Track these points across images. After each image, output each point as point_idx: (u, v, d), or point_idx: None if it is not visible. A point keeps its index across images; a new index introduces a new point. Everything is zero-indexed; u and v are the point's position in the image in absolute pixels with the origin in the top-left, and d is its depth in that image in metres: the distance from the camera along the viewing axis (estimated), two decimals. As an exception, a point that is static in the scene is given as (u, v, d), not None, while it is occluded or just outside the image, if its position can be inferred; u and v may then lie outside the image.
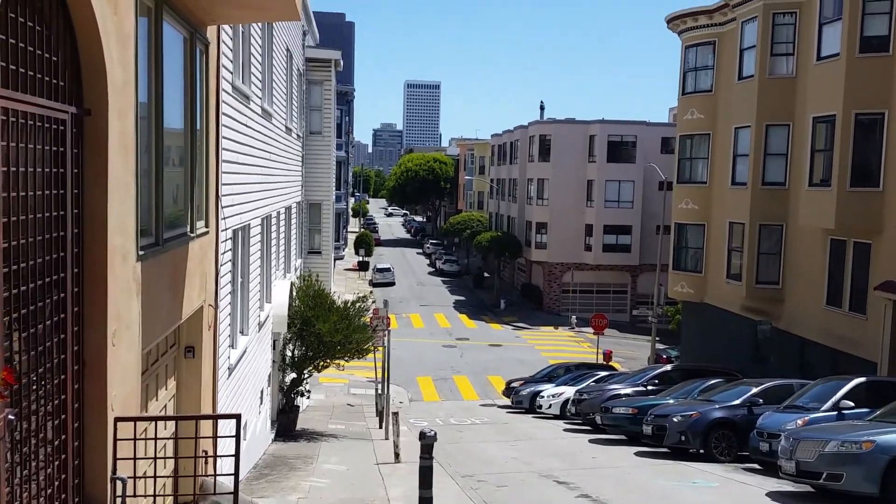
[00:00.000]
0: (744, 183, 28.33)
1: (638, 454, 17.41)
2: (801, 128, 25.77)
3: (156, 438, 6.41)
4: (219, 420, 9.35)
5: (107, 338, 5.78)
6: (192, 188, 8.40)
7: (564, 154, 59.69)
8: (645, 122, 60.41)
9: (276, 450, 16.83)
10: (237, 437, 6.31)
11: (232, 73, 10.88)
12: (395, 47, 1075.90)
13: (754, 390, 16.75)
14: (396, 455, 16.03)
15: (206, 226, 9.40)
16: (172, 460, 7.61)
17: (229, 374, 11.28)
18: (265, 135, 14.85)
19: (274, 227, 16.80)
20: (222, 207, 10.19)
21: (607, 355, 39.23)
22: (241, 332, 12.78)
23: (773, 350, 27.39)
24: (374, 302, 23.17)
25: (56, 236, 5.15)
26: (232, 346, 11.79)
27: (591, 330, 52.99)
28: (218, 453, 8.70)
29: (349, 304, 19.51)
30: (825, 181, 23.63)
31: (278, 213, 17.59)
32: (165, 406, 8.92)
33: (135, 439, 6.10)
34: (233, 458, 6.61)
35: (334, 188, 28.43)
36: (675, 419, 16.58)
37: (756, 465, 15.48)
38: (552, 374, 32.77)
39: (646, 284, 60.50)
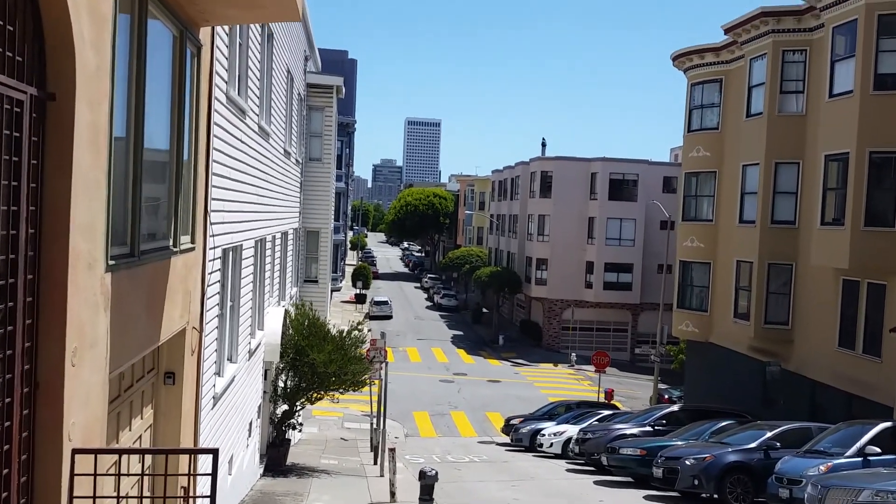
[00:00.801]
0: (752, 221, 27.71)
1: (648, 498, 16.53)
2: (812, 166, 25.23)
3: (118, 474, 5.61)
4: (199, 455, 8.54)
5: (65, 356, 5.03)
6: (176, 199, 7.70)
7: (566, 191, 59.27)
8: (647, 161, 60.15)
9: (264, 485, 15.93)
10: (213, 475, 5.52)
11: (227, 82, 10.26)
12: (397, 85, 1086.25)
13: (771, 433, 15.93)
14: (392, 494, 15.14)
15: (192, 241, 8.69)
16: (143, 500, 6.79)
17: (214, 404, 10.48)
18: (262, 154, 14.21)
19: (269, 251, 16.10)
20: (211, 224, 9.48)
21: (609, 394, 38.30)
22: (229, 360, 11.99)
23: (782, 392, 26.54)
24: (370, 331, 22.35)
25: (6, 235, 4.43)
26: (218, 373, 11.00)
27: (590, 368, 52.15)
28: (197, 492, 7.91)
29: (345, 334, 18.72)
30: (838, 220, 23.01)
31: (273, 237, 16.89)
32: (140, 437, 8.13)
33: (95, 475, 5.32)
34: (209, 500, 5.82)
35: (333, 217, 27.78)
36: (687, 462, 15.73)
37: (772, 514, 14.59)
38: (553, 412, 31.85)
39: (647, 323, 59.70)
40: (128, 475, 6.03)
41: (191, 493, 6.80)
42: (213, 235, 9.62)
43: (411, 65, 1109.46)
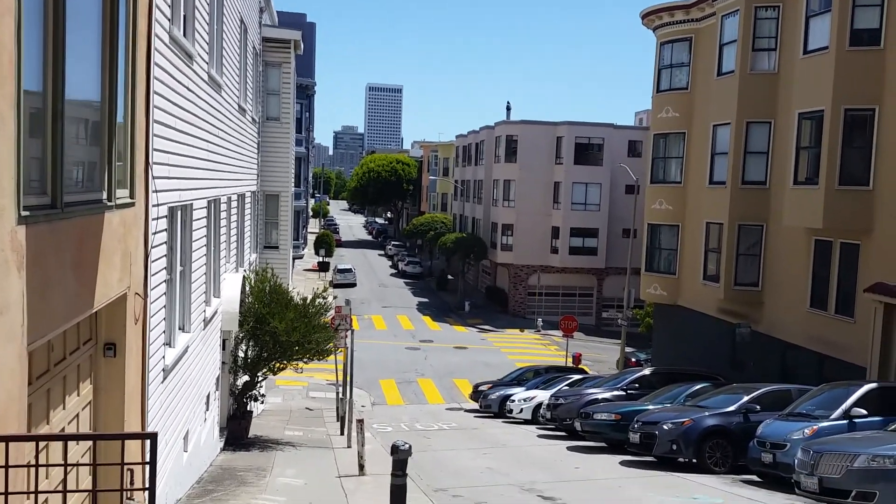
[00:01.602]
0: (722, 182, 27.23)
1: (624, 464, 16.04)
2: (785, 125, 24.74)
3: (36, 465, 4.72)
4: (143, 440, 7.67)
5: (-38, 325, 4.14)
6: (109, 146, 6.72)
7: (531, 155, 58.54)
8: (612, 125, 59.57)
9: (224, 461, 15.10)
10: (152, 463, 4.67)
11: (170, 20, 9.21)
12: (357, 50, 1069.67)
13: (750, 396, 15.50)
14: (361, 467, 14.41)
15: (132, 196, 7.73)
16: (67, 494, 5.90)
17: (164, 378, 9.58)
18: (213, 107, 13.16)
19: (224, 214, 15.09)
20: (153, 178, 8.51)
21: (577, 358, 38.00)
22: (181, 329, 11.07)
23: (752, 354, 26.32)
24: (335, 298, 21.50)
25: None
26: (168, 343, 10.09)
27: (557, 333, 51.93)
28: (143, 479, 7.06)
29: (308, 302, 17.82)
30: (811, 179, 22.58)
31: (229, 198, 15.88)
32: (77, 416, 7.23)
33: (7, 466, 4.44)
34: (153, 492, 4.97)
35: (293, 181, 26.70)
36: (665, 427, 15.23)
37: (755, 477, 14.20)
38: (521, 378, 31.43)
39: (612, 288, 59.64)
40: (45, 466, 5.13)
41: (126, 485, 5.91)
42: (157, 191, 8.65)
43: (372, 30, 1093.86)
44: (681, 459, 15.42)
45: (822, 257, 23.00)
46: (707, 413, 15.32)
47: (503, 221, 60.12)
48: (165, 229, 9.31)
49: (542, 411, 24.33)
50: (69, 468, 6.17)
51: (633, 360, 40.13)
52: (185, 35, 10.47)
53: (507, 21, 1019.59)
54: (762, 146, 26.17)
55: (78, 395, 7.21)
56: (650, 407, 17.67)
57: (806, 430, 12.84)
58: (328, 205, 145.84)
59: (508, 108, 66.23)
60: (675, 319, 31.86)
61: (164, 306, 9.44)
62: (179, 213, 10.32)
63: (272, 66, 23.89)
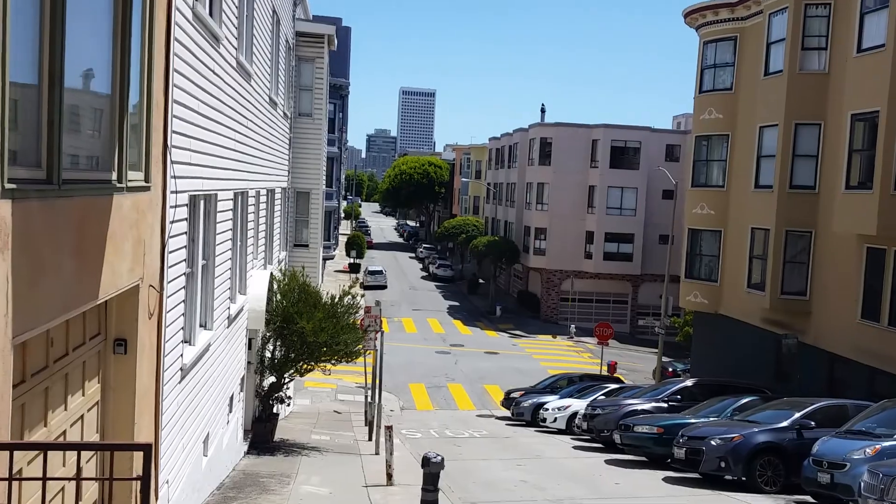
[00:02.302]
0: (769, 186, 26.15)
1: (667, 481, 15.15)
2: (835, 127, 23.66)
3: (10, 478, 4.07)
4: (158, 449, 7.06)
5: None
6: (120, 124, 6.10)
7: (566, 158, 57.56)
8: (649, 128, 58.41)
9: (248, 465, 14.50)
10: (145, 477, 3.99)
11: (195, -4, 8.60)
12: (391, 54, 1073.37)
13: (804, 411, 14.53)
14: (389, 476, 13.72)
15: (147, 180, 7.11)
16: None
17: (182, 377, 8.97)
18: (242, 95, 12.57)
19: (252, 208, 14.51)
20: (172, 162, 7.90)
21: (612, 367, 37.00)
22: (203, 326, 10.47)
23: (798, 366, 25.20)
24: (363, 297, 20.85)
25: None
26: (188, 341, 9.48)
27: (590, 340, 50.89)
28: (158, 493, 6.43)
29: (337, 301, 17.18)
30: (864, 184, 21.49)
31: (258, 192, 15.30)
32: (82, 418, 6.62)
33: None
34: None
35: (324, 179, 26.14)
36: (713, 442, 14.32)
37: (808, 498, 13.24)
38: (554, 385, 30.54)
39: (647, 295, 58.40)
40: (19, 479, 4.48)
41: (130, 497, 5.27)
42: (176, 177, 8.04)
43: (406, 35, 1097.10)
44: (728, 477, 14.50)
45: (875, 265, 21.87)
46: (758, 429, 14.39)
47: (536, 225, 59.19)
48: (186, 218, 8.70)
49: (577, 421, 23.45)
50: (55, 480, 5.54)
51: (671, 370, 39.03)
52: (211, 15, 9.88)
53: (542, 24, 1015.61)
54: (811, 149, 25.08)
55: (83, 394, 6.60)
56: (695, 420, 16.73)
57: (868, 450, 11.88)
58: (360, 207, 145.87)
59: (543, 111, 65.34)
60: (715, 329, 30.78)
61: (184, 301, 8.83)
62: (202, 202, 9.72)
63: (305, 62, 23.37)
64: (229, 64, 11.19)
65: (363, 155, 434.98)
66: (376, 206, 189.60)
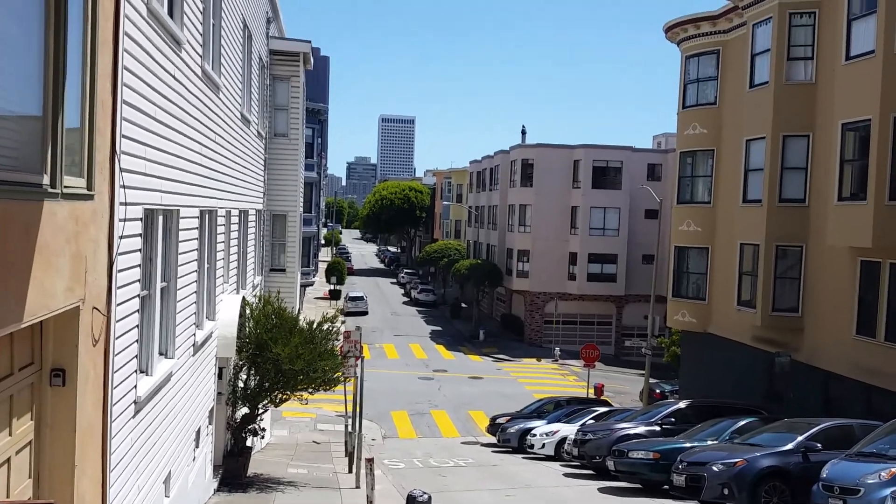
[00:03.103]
0: (758, 200, 25.60)
1: (666, 511, 14.32)
2: (825, 137, 23.21)
3: None
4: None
5: None
6: (55, 119, 5.26)
7: (548, 179, 57.14)
8: (631, 148, 58.12)
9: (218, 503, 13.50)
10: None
11: (148, -11, 7.81)
12: (370, 82, 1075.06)
13: (809, 433, 13.76)
14: (369, 513, 12.77)
15: (90, 188, 6.26)
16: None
17: (136, 412, 8.05)
18: (209, 108, 11.76)
19: (222, 229, 13.64)
20: (122, 170, 7.05)
21: (599, 389, 36.21)
22: (163, 354, 9.55)
23: (791, 385, 24.51)
24: (343, 322, 19.95)
25: None
26: (143, 371, 8.57)
27: (575, 362, 50.08)
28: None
29: (314, 326, 16.26)
30: (857, 195, 20.96)
31: (228, 212, 14.43)
32: (9, 461, 5.69)
33: None
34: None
35: (302, 200, 25.30)
36: (714, 468, 13.52)
37: (818, 528, 12.42)
38: (541, 410, 29.68)
39: (632, 316, 57.82)
40: None
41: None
42: (126, 187, 7.18)
43: (384, 63, 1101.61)
44: (719, 502, 13.66)
45: (869, 280, 21.30)
46: (761, 452, 13.60)
47: (519, 247, 58.55)
48: (140, 234, 7.83)
49: (566, 447, 22.58)
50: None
51: (658, 391, 38.26)
52: (171, 16, 9.09)
53: (520, 45, 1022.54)
54: (800, 161, 24.59)
55: (10, 434, 5.68)
56: (693, 445, 15.93)
57: (883, 474, 11.12)
58: (340, 234, 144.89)
59: (524, 132, 65.01)
60: (704, 348, 30.10)
61: (137, 326, 7.93)
62: (161, 218, 8.85)
63: (280, 80, 22.62)
64: (193, 72, 10.39)
65: (343, 182, 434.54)
66: (357, 233, 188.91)
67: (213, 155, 12.36)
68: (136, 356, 7.92)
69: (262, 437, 18.04)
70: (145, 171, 7.91)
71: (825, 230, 22.63)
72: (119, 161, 6.94)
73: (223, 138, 13.40)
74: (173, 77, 9.14)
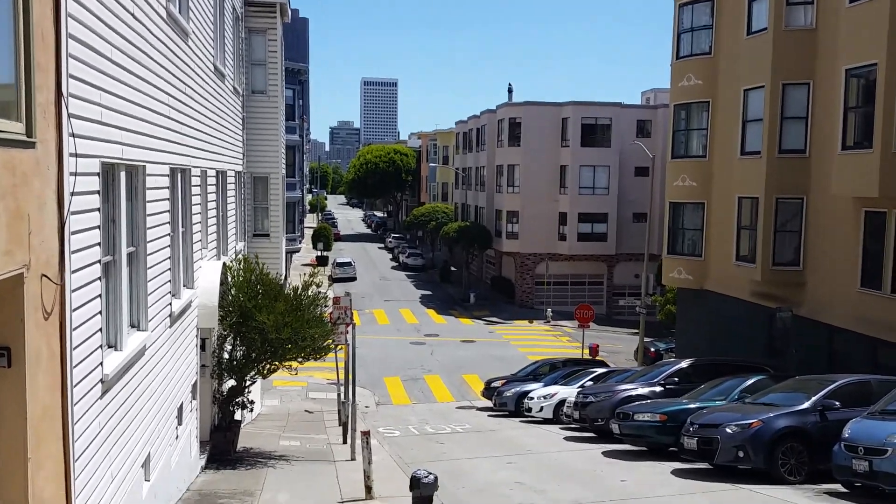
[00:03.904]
0: (756, 152, 24.76)
1: (677, 474, 13.66)
2: (827, 85, 22.33)
3: None
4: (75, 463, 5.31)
5: None
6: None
7: (536, 138, 56.08)
8: (620, 104, 57.11)
9: (204, 483, 12.72)
10: None
11: None
12: (351, 45, 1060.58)
13: (826, 390, 13.08)
14: (368, 489, 12.04)
15: (30, 134, 5.32)
16: None
17: (104, 392, 7.18)
18: (177, 56, 10.73)
19: (197, 190, 12.67)
20: (71, 115, 6.09)
21: (594, 350, 35.69)
22: (134, 326, 8.67)
23: (792, 340, 23.92)
24: (330, 286, 19.07)
25: None
26: (111, 345, 7.69)
27: (567, 323, 49.58)
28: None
29: (300, 292, 15.39)
30: (862, 143, 20.16)
31: (204, 172, 13.45)
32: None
33: None
34: None
35: (284, 161, 24.27)
36: (728, 430, 12.84)
37: (839, 487, 11.81)
38: (536, 372, 29.07)
39: (623, 275, 57.33)
40: None
41: None
42: (77, 136, 6.22)
43: (365, 24, 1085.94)
44: (739, 466, 13.00)
45: (875, 231, 20.59)
46: (777, 413, 12.92)
47: (508, 208, 57.67)
48: (98, 191, 6.89)
49: (565, 409, 21.97)
50: None
51: (653, 350, 37.80)
52: (125, -56, 8.03)
53: (504, 6, 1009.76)
54: (801, 110, 23.72)
55: (-57, 427, 4.82)
56: (700, 406, 15.26)
57: (911, 433, 10.45)
58: (326, 199, 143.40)
59: (510, 91, 63.73)
60: (701, 305, 29.47)
61: (100, 295, 7.03)
62: (124, 174, 7.89)
63: (256, 34, 21.44)
64: (157, 13, 9.35)
65: (327, 148, 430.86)
66: (342, 199, 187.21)
67: (184, 108, 11.36)
68: (100, 329, 7.03)
69: (251, 410, 17.25)
70: (101, 118, 6.94)
71: (828, 181, 21.88)
72: (67, 104, 5.98)
73: (195, 91, 12.38)
74: (132, 15, 8.12)
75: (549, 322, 51.08)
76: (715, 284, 28.42)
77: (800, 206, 23.89)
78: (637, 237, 54.88)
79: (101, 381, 7.09)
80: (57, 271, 5.92)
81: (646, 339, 38.06)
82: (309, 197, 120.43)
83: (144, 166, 8.70)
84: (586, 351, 35.75)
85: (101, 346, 7.05)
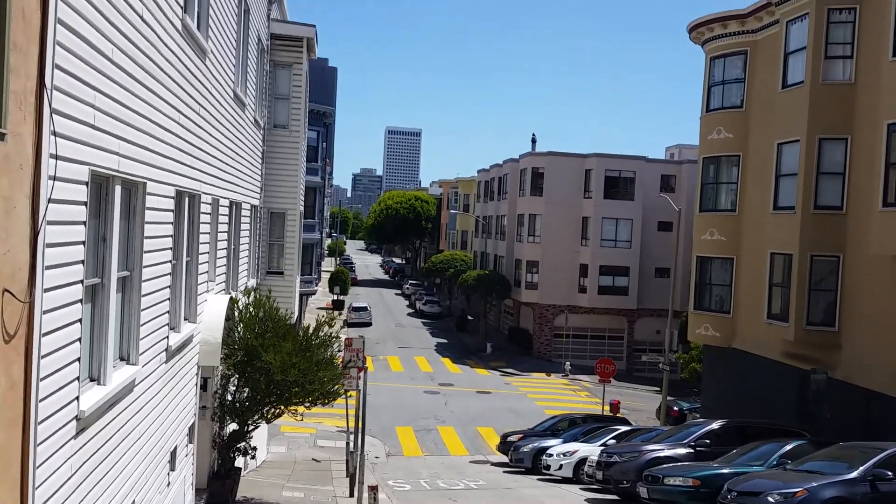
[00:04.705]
0: (790, 207, 23.86)
1: (712, 550, 12.51)
2: (866, 140, 21.53)
3: None
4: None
5: None
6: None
7: (558, 188, 55.46)
8: (644, 158, 56.47)
9: (197, 535, 11.73)
10: None
11: None
12: (377, 94, 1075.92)
13: (876, 458, 11.97)
14: (371, 549, 10.99)
15: (0, 124, 4.58)
16: None
17: (79, 431, 6.33)
18: (191, 72, 10.11)
19: (206, 218, 11.96)
20: (54, 112, 5.36)
21: (615, 406, 34.37)
22: (124, 360, 7.85)
23: (827, 404, 22.67)
24: (343, 328, 18.20)
25: None
26: (93, 378, 6.87)
27: (586, 378, 48.24)
28: None
29: (310, 331, 14.54)
30: (905, 199, 19.25)
31: (216, 201, 12.76)
32: None
33: None
34: None
35: (302, 197, 23.65)
36: (770, 499, 11.75)
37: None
38: (555, 428, 27.89)
39: (643, 330, 56.02)
40: None
41: None
42: (61, 135, 5.49)
43: (391, 74, 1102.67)
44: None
45: (917, 291, 19.58)
46: (822, 481, 11.81)
47: (528, 258, 56.79)
48: (85, 202, 6.14)
49: (587, 469, 20.78)
50: None
51: (676, 409, 36.39)
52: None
53: (528, 55, 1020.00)
54: (837, 166, 22.87)
55: None
56: (736, 471, 14.13)
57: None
58: (345, 244, 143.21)
59: (534, 140, 63.36)
60: (728, 364, 28.28)
61: (80, 321, 6.22)
62: (119, 189, 7.15)
63: (281, 68, 21.02)
64: (171, 22, 8.74)
65: (349, 194, 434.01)
66: (361, 244, 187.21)
67: (197, 130, 10.70)
68: (77, 359, 6.20)
69: (254, 457, 16.27)
70: (94, 122, 6.23)
71: (866, 238, 20.91)
72: (50, 97, 5.26)
73: (211, 115, 11.75)
74: (140, 17, 7.48)
75: (567, 376, 49.75)
76: (743, 343, 27.29)
77: (836, 263, 22.88)
78: (659, 292, 53.74)
79: (77, 418, 6.24)
80: (25, 287, 5.13)
81: (668, 398, 36.69)
82: (328, 241, 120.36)
83: (146, 184, 7.97)
84: (606, 407, 34.47)
85: (77, 379, 6.21)
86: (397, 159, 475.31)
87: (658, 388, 43.40)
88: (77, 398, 6.23)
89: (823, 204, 23.11)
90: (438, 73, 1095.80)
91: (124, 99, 7.06)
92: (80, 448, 6.39)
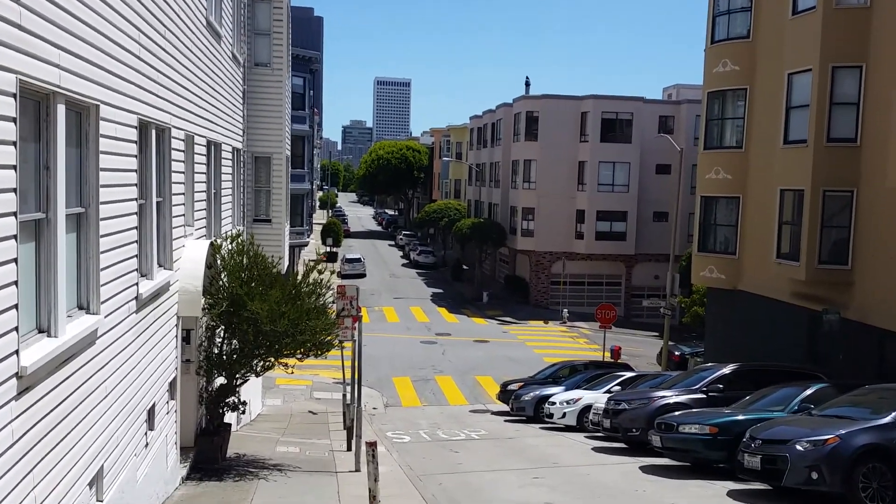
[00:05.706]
0: (802, 140, 22.77)
1: (735, 496, 11.78)
2: (881, 68, 20.39)
3: None
4: None
5: None
6: None
7: (554, 133, 54.09)
8: (642, 99, 55.04)
9: (182, 498, 10.91)
10: None
11: None
12: (365, 45, 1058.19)
13: (912, 402, 11.13)
14: (371, 509, 10.19)
15: None
16: None
17: (21, 391, 5.37)
18: (154, -14, 8.92)
19: (180, 155, 10.87)
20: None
21: (616, 352, 33.72)
22: (82, 308, 6.86)
23: (839, 345, 21.96)
24: (333, 273, 17.22)
25: None
26: (42, 329, 5.89)
27: (585, 325, 47.64)
28: None
29: (300, 280, 13.57)
30: (925, 129, 18.21)
31: (190, 137, 11.65)
32: None
33: None
34: None
35: (289, 140, 22.49)
36: (798, 447, 10.92)
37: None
38: (556, 375, 27.21)
39: (641, 276, 55.35)
40: None
41: None
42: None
43: (379, 23, 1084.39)
44: (814, 490, 11.08)
45: (938, 225, 18.67)
46: (854, 427, 10.99)
47: (523, 205, 55.73)
48: (14, 118, 5.08)
49: (591, 417, 20.08)
50: None
51: (677, 353, 35.79)
52: None
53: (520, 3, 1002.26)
54: (852, 96, 21.72)
55: None
56: (755, 417, 13.34)
57: None
58: (336, 196, 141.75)
59: (527, 84, 61.76)
60: (734, 307, 27.50)
61: (15, 260, 5.21)
62: (62, 109, 6.06)
63: (260, 1, 19.67)
64: (122, -78, 7.55)
65: (339, 147, 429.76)
66: (353, 196, 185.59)
67: (163, 55, 9.55)
68: (13, 306, 5.21)
69: (244, 412, 15.44)
70: (20, 21, 5.13)
71: (883, 172, 19.94)
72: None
73: (179, 40, 10.58)
74: None
75: (565, 323, 49.17)
76: (750, 284, 26.46)
77: (849, 199, 21.88)
78: (657, 237, 52.92)
79: (17, 375, 5.28)
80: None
81: (669, 343, 36.07)
82: (319, 193, 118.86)
83: (98, 106, 6.88)
84: (607, 353, 33.82)
85: (15, 329, 5.23)
86: (387, 110, 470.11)
87: (657, 334, 42.85)
88: (16, 352, 5.26)
89: (837, 136, 22.00)
90: (428, 24, 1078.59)
91: (64, 2, 5.94)
92: (25, 411, 5.44)
